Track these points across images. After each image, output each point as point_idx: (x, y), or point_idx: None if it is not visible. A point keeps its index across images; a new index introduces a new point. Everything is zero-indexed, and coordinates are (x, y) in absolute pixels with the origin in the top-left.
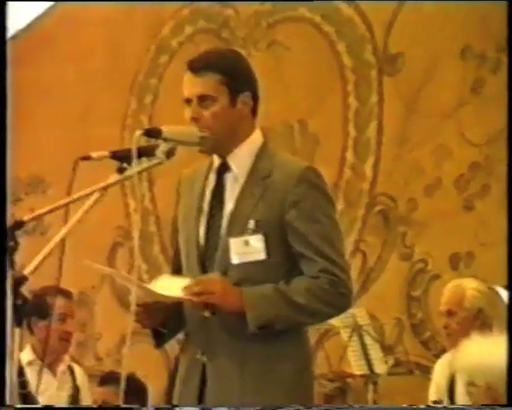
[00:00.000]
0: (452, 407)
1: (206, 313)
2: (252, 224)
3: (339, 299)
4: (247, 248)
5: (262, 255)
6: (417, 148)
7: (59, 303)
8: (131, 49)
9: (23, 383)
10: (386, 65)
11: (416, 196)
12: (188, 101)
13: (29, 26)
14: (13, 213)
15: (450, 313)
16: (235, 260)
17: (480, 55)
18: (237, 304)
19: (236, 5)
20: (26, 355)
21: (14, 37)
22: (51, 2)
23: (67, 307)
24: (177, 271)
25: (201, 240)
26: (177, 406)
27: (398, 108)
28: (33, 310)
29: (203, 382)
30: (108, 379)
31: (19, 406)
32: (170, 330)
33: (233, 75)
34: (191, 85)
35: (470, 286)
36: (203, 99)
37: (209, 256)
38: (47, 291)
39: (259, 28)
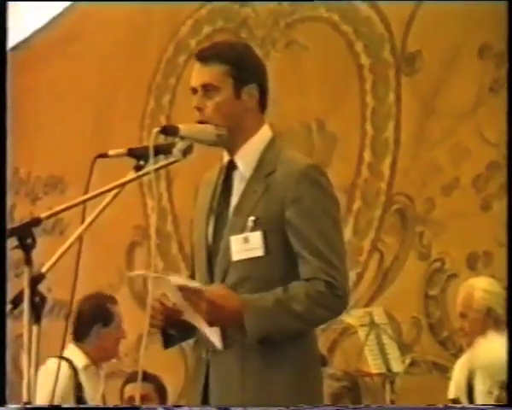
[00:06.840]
0: (450, 405)
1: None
2: (251, 221)
3: (335, 301)
4: (247, 245)
5: (261, 252)
6: (435, 147)
7: (116, 309)
8: (150, 48)
9: (78, 387)
10: (404, 64)
11: (433, 196)
12: (194, 90)
13: (46, 26)
14: (31, 211)
15: (462, 315)
16: (235, 257)
17: (499, 54)
18: (237, 318)
19: (255, 5)
20: (81, 360)
21: (30, 37)
22: (66, 3)
23: (119, 313)
24: (192, 275)
25: (210, 239)
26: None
27: (415, 107)
28: (97, 318)
29: (207, 381)
30: (131, 379)
31: (18, 406)
32: (180, 333)
33: (239, 66)
34: (197, 75)
35: (479, 286)
36: (207, 89)
37: (214, 255)
38: (101, 299)
39: (278, 28)
